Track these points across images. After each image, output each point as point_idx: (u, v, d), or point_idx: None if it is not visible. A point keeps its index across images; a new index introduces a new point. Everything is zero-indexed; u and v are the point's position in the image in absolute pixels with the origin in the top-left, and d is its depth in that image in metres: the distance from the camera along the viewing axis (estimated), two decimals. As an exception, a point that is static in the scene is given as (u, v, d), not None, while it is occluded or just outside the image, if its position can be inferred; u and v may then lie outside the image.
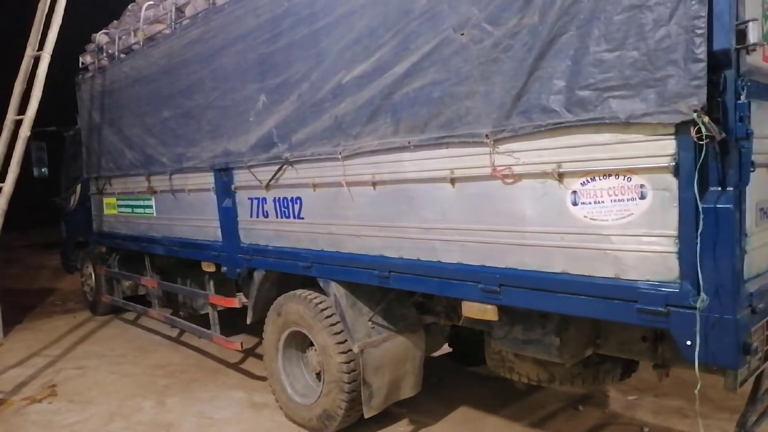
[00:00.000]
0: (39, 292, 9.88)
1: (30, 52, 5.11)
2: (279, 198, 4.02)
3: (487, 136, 2.60)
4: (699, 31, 1.95)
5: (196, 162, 4.82)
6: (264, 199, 4.17)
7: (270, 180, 4.02)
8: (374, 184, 3.25)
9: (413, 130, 2.96)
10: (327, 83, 3.42)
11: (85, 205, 7.43)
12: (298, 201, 3.86)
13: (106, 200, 6.70)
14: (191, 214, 5.07)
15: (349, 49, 3.26)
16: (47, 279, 11.34)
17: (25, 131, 4.83)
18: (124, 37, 6.04)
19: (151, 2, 5.68)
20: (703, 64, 1.96)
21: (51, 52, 5.07)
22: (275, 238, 4.14)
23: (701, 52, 1.96)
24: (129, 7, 6.66)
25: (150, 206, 5.71)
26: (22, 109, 5.06)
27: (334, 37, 3.36)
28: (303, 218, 3.85)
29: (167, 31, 5.22)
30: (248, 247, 4.41)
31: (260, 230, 4.28)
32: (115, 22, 6.74)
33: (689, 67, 1.98)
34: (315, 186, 3.68)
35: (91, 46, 6.84)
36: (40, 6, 5.26)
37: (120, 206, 6.37)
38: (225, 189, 4.57)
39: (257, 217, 4.27)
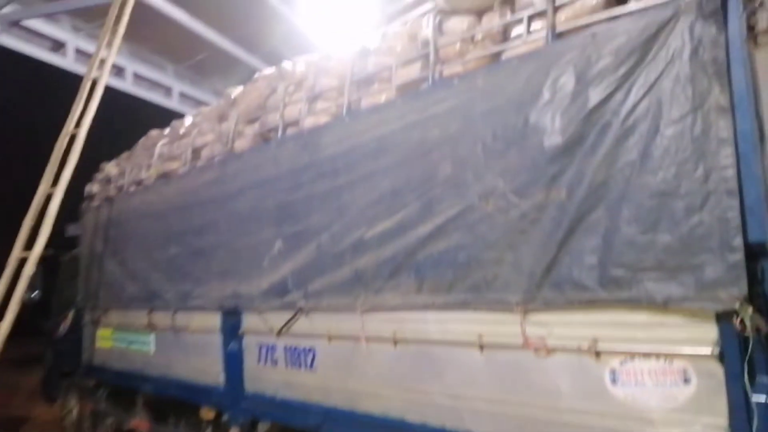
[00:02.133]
0: (11, 422, 9.25)
1: (44, 188, 5.18)
2: (290, 346, 3.91)
3: (517, 304, 2.59)
4: (733, 223, 2.01)
5: (202, 301, 4.74)
6: (274, 346, 4.05)
7: (282, 327, 3.92)
8: (395, 341, 3.18)
9: (438, 290, 2.95)
10: (348, 236, 3.45)
11: (75, 333, 7.17)
12: (311, 351, 3.75)
13: (100, 332, 6.49)
14: (193, 354, 4.90)
15: (372, 206, 3.33)
16: (21, 404, 10.65)
17: (29, 269, 4.76)
18: (135, 170, 6.17)
19: (166, 140, 5.87)
20: (740, 255, 1.99)
21: (64, 190, 5.13)
22: (284, 388, 3.96)
23: (737, 242, 2.00)
24: (141, 141, 6.88)
25: (148, 342, 5.52)
26: (29, 244, 5.03)
27: (356, 193, 3.44)
28: (315, 370, 3.71)
29: (182, 170, 5.35)
30: (254, 395, 4.22)
31: (268, 378, 4.11)
32: (126, 153, 6.92)
33: (726, 256, 2.02)
34: (330, 337, 3.59)
35: (99, 176, 6.98)
36: (58, 144, 5.41)
37: (115, 339, 6.16)
38: (232, 332, 4.46)
39: (265, 364, 4.12)
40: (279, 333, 3.97)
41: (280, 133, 4.19)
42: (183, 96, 10.50)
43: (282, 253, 3.97)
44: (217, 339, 4.59)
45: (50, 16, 7.92)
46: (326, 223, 3.63)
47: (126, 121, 8.77)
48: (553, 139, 2.53)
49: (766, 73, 2.12)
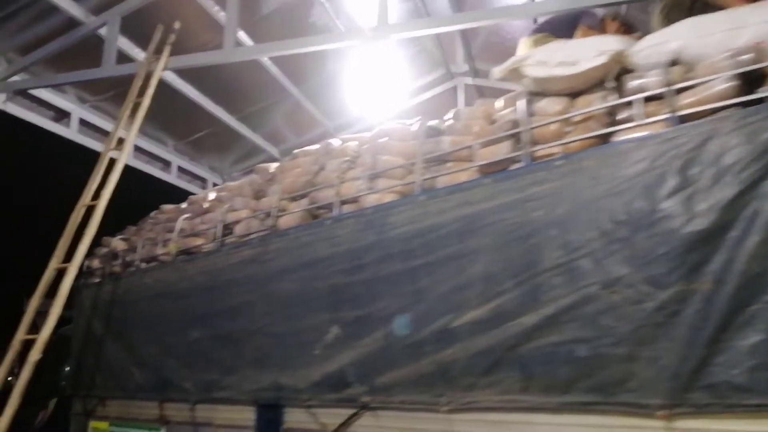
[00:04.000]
0: None
1: (55, 264, 4.74)
2: (349, 448, 3.48)
3: (660, 408, 2.31)
4: None
5: (232, 393, 4.27)
6: (327, 447, 3.60)
7: (340, 426, 3.51)
8: (493, 447, 2.82)
9: (551, 390, 2.65)
10: (428, 325, 3.16)
11: (56, 426, 6.44)
12: (382, 454, 3.33)
13: (94, 424, 5.81)
14: (220, 454, 4.36)
15: (459, 292, 3.07)
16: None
17: (35, 355, 4.24)
18: (148, 246, 5.78)
19: (188, 215, 5.55)
20: None
21: (78, 266, 4.71)
22: (337, 493, 3.49)
23: None
24: (152, 214, 6.53)
25: (158, 438, 4.93)
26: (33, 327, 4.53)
27: (438, 277, 3.18)
28: (386, 476, 3.28)
29: (208, 247, 5.01)
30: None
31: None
32: (132, 228, 6.54)
33: None
34: (404, 440, 3.20)
35: (101, 251, 6.53)
36: (72, 217, 5.03)
37: (113, 433, 5.51)
38: (270, 429, 3.98)
39: (315, 468, 3.66)
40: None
41: (335, 211, 3.96)
42: (181, 170, 10.23)
43: (339, 341, 3.62)
44: (250, 437, 4.10)
45: (56, 87, 7.70)
46: (397, 309, 3.33)
47: (123, 194, 8.43)
48: (693, 225, 2.36)
49: None
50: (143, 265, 5.73)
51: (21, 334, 4.42)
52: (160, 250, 5.55)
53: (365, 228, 3.65)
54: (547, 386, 2.66)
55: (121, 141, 5.64)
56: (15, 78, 7.08)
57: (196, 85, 8.42)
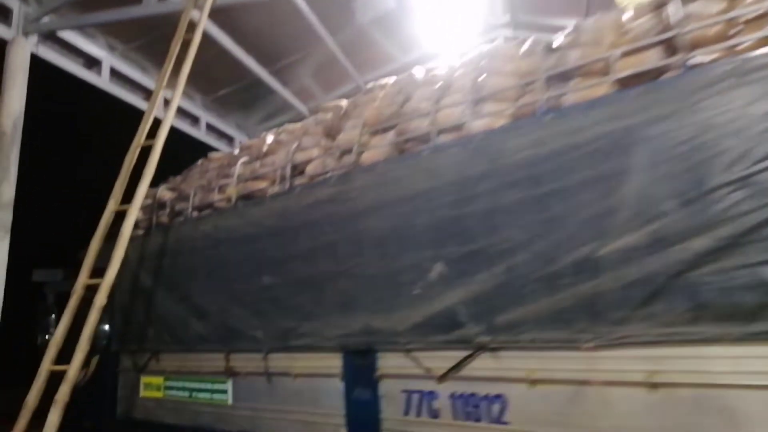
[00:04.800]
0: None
1: (113, 206, 4.41)
2: (461, 393, 3.20)
3: None
4: None
5: (313, 340, 3.99)
6: (433, 393, 3.32)
7: (450, 369, 3.22)
8: (652, 385, 2.53)
9: (732, 319, 2.34)
10: (565, 255, 2.84)
11: (102, 382, 6.19)
12: (500, 399, 3.05)
13: (145, 379, 5.55)
14: (296, 404, 4.08)
15: (604, 217, 2.74)
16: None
17: (101, 299, 3.94)
18: (201, 193, 5.44)
19: (245, 159, 5.20)
20: None
21: (139, 208, 4.38)
22: (450, 445, 3.22)
23: None
24: (199, 162, 6.20)
25: (224, 391, 4.66)
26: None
27: (575, 203, 2.85)
28: (507, 423, 3.00)
29: (273, 190, 4.67)
30: (396, 455, 3.45)
31: (424, 433, 3.36)
32: (178, 178, 6.20)
33: None
34: (533, 381, 2.91)
35: (145, 201, 6.18)
36: (128, 158, 4.68)
37: (170, 388, 5.25)
38: (361, 376, 3.71)
39: (418, 416, 3.38)
40: (443, 377, 3.26)
41: (432, 141, 3.61)
42: (209, 128, 9.84)
43: (445, 279, 3.31)
44: (336, 385, 3.82)
45: (86, 33, 7.28)
46: (522, 241, 3.01)
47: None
48: None
49: None
50: (195, 214, 5.42)
51: (83, 278, 4.11)
52: (216, 197, 5.21)
53: (474, 156, 3.31)
54: (726, 315, 2.36)
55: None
56: (45, 20, 6.66)
57: (229, 32, 8.00)
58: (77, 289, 4.07)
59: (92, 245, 4.27)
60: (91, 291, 4.12)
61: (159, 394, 5.35)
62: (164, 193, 5.98)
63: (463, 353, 3.18)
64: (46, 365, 3.78)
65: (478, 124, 3.40)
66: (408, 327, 3.45)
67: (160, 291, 5.45)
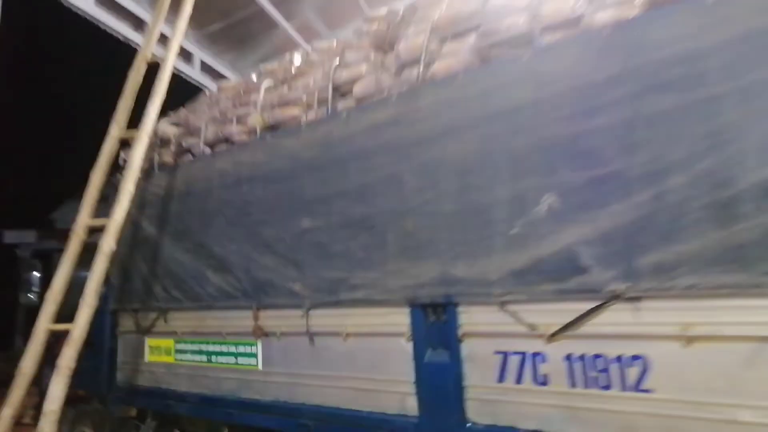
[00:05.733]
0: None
1: (117, 132, 3.59)
2: (581, 355, 2.54)
3: None
4: None
5: (370, 292, 3.29)
6: (540, 355, 2.67)
7: (566, 326, 2.56)
8: None
9: None
10: (745, 175, 2.16)
11: (95, 346, 5.43)
12: (639, 361, 2.40)
13: (152, 342, 4.82)
14: (347, 370, 3.41)
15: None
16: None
17: (109, 243, 3.18)
18: (214, 126, 4.63)
19: (270, 83, 4.39)
20: None
21: (151, 134, 3.57)
22: (563, 420, 2.58)
23: None
24: (207, 93, 5.36)
25: (252, 354, 3.96)
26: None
27: (760, 105, 2.16)
28: (649, 391, 2.36)
29: (308, 117, 3.89)
30: (485, 430, 2.81)
31: (522, 404, 2.72)
32: (182, 111, 5.35)
33: None
34: (690, 338, 2.27)
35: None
36: (132, 74, 3.85)
37: (183, 352, 4.53)
38: (436, 335, 3.04)
39: (519, 382, 2.73)
40: (556, 335, 2.61)
41: (535, 41, 2.87)
42: (204, 66, 8.88)
43: (559, 213, 2.62)
44: (402, 347, 3.15)
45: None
46: (678, 159, 2.32)
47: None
48: None
49: None
50: (208, 150, 4.61)
51: (85, 218, 3.33)
52: (235, 129, 4.41)
53: (601, 55, 2.58)
54: None
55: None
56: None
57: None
58: (78, 231, 3.32)
59: (94, 178, 3.49)
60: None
61: (169, 359, 4.63)
62: (167, 128, 5.12)
63: (587, 305, 2.52)
64: (44, 324, 3.07)
65: (602, 17, 2.66)
66: (504, 275, 2.77)
67: (166, 241, 4.68)
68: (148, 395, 4.79)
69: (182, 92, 7.26)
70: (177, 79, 8.37)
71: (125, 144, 3.55)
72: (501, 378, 2.78)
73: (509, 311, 2.76)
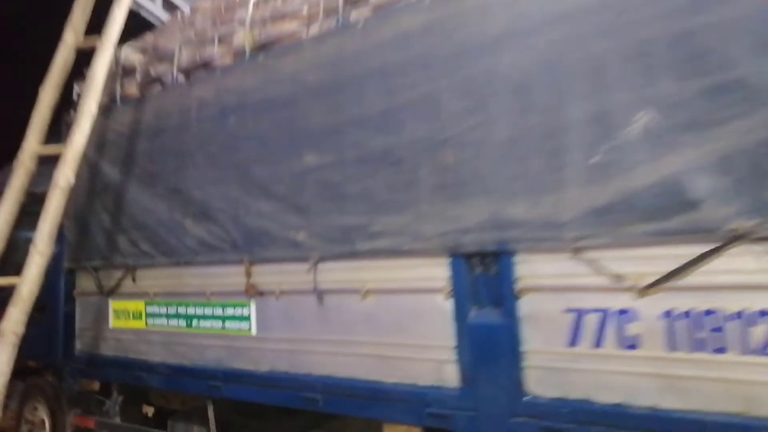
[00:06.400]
0: None
1: (73, 40, 2.83)
2: (687, 311, 2.03)
3: None
4: None
5: (397, 241, 2.70)
6: (626, 312, 2.14)
7: (665, 276, 2.03)
8: None
9: None
10: None
11: (48, 311, 4.68)
12: (766, 318, 1.89)
13: (117, 305, 4.13)
14: (367, 333, 2.83)
15: None
16: None
17: (66, 175, 2.49)
18: (188, 50, 3.87)
19: (258, -3, 3.65)
20: None
21: (115, 42, 2.83)
22: (657, 391, 2.08)
23: None
24: (175, 17, 4.55)
25: (244, 317, 3.34)
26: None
27: None
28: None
29: (311, 32, 3.20)
30: (551, 402, 2.29)
31: (602, 372, 2.20)
32: (148, 35, 4.53)
33: None
34: None
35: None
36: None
37: (155, 315, 3.86)
38: (484, 290, 2.49)
39: (598, 346, 2.20)
40: (649, 287, 2.08)
41: None
42: (166, 2, 7.89)
43: (657, 134, 2.07)
44: (439, 305, 2.59)
45: None
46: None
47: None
48: None
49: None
50: (182, 78, 3.87)
51: (33, 144, 2.60)
52: (217, 51, 3.67)
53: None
54: None
55: None
56: None
57: None
58: (24, 160, 2.59)
59: (44, 95, 2.75)
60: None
61: (139, 324, 3.96)
62: (131, 55, 4.31)
63: (696, 249, 1.99)
64: (-20, 277, 2.33)
65: None
66: (580, 214, 2.22)
67: (133, 186, 3.96)
68: (114, 366, 4.11)
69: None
70: (136, 19, 7.42)
71: (83, 58, 2.79)
72: (573, 341, 2.25)
73: (586, 259, 2.22)
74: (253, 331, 3.29)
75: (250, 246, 3.26)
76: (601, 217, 2.18)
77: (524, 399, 2.35)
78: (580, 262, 2.23)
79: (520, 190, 2.37)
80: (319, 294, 2.98)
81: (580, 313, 2.24)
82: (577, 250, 2.24)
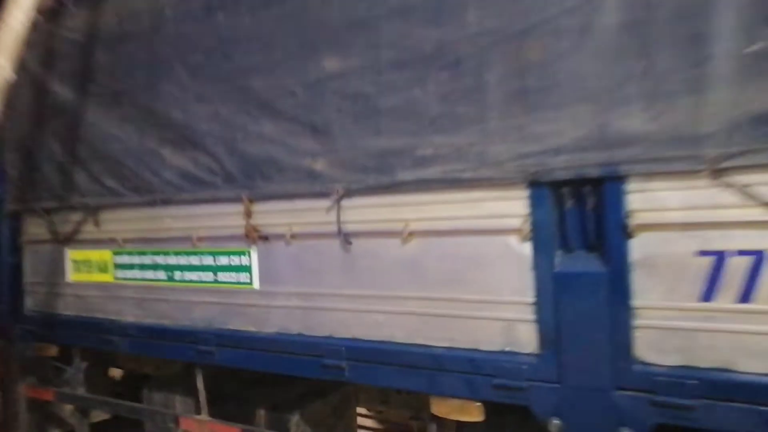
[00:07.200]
0: None
1: None
2: None
3: None
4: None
5: (455, 167, 2.07)
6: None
7: None
8: None
9: None
10: None
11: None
12: None
13: (76, 255, 3.40)
14: (411, 286, 2.23)
15: None
16: None
17: (2, 66, 1.72)
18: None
19: None
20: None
21: None
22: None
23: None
24: None
25: (243, 268, 2.68)
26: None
27: None
28: None
29: None
30: (669, 374, 1.76)
31: (750, 335, 1.66)
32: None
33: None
34: None
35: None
36: None
37: (125, 267, 3.16)
38: (577, 229, 1.91)
39: (745, 300, 1.66)
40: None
41: None
42: None
43: None
44: (511, 249, 2.00)
45: None
46: None
47: None
48: None
49: None
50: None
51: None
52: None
53: None
54: None
55: None
56: None
57: None
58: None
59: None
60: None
61: (105, 278, 3.27)
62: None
63: None
64: None
65: None
66: (727, 124, 1.63)
67: (92, 108, 3.20)
68: (75, 328, 3.43)
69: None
70: None
71: None
72: (708, 294, 1.70)
73: (734, 184, 1.64)
74: (255, 285, 2.64)
75: (250, 178, 2.58)
76: (757, 128, 1.60)
77: (633, 367, 1.81)
78: (725, 188, 1.66)
79: (638, 94, 1.76)
80: (345, 237, 2.34)
81: (721, 257, 1.68)
82: (719, 173, 1.66)
